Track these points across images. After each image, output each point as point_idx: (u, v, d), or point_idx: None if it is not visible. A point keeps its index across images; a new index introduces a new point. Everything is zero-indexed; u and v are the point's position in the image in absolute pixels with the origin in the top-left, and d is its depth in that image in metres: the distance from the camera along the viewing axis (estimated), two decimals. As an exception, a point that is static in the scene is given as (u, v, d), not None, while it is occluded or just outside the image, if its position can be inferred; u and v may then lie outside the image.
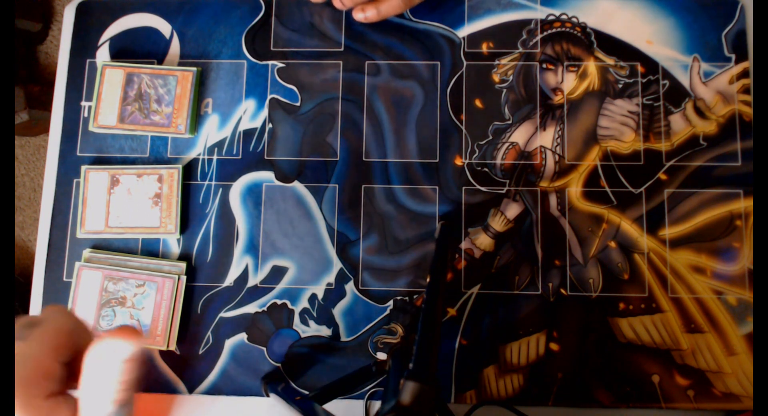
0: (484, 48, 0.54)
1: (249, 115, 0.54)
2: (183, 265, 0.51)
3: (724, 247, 0.50)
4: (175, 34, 0.55)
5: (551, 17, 0.54)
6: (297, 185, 0.53)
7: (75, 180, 0.53)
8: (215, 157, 0.53)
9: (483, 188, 0.52)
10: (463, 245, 0.51)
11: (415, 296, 0.51)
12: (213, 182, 0.53)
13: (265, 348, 0.51)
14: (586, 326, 0.49)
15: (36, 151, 1.37)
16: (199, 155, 0.53)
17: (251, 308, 0.51)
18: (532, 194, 0.51)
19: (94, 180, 0.52)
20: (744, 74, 0.52)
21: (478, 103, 0.53)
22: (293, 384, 0.50)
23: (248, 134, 0.54)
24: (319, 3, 0.54)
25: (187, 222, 0.52)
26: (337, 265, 0.51)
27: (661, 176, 0.51)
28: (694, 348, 0.49)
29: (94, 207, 0.52)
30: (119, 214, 0.52)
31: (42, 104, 1.27)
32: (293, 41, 0.55)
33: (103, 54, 0.55)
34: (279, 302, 0.51)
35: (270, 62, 0.55)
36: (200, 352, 0.51)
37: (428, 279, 0.44)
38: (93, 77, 0.55)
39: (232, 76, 0.54)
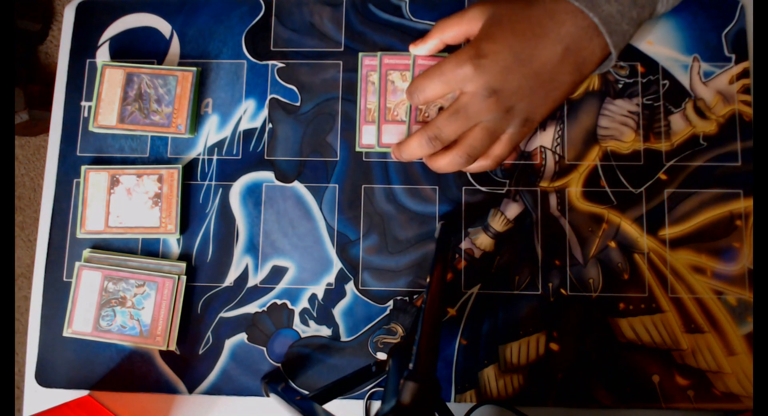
0: (484, 48, 0.54)
1: (249, 115, 0.54)
2: (183, 265, 0.51)
3: (724, 247, 0.50)
4: (175, 34, 0.55)
5: (551, 17, 0.54)
6: (297, 185, 0.53)
7: (75, 180, 0.53)
8: (215, 157, 0.53)
9: (483, 188, 0.52)
10: (463, 245, 0.51)
11: (415, 296, 0.51)
12: (213, 182, 0.53)
13: (265, 348, 0.51)
14: (586, 326, 0.49)
15: (36, 151, 1.37)
16: (199, 155, 0.53)
17: (251, 308, 0.51)
18: (532, 194, 0.51)
19: (94, 180, 0.52)
20: (744, 74, 0.52)
21: (478, 103, 0.53)
22: (293, 384, 0.50)
23: (248, 134, 0.54)
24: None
25: (187, 222, 0.53)
26: (337, 265, 0.51)
27: (661, 176, 0.51)
28: (694, 348, 0.49)
29: (94, 207, 0.52)
30: (119, 214, 0.52)
31: (42, 104, 1.27)
32: (293, 41, 0.55)
33: (103, 54, 0.55)
34: (279, 302, 0.51)
35: (270, 62, 0.55)
36: (200, 352, 0.51)
37: (428, 279, 0.44)
38: (93, 77, 0.55)
39: (232, 76, 0.54)
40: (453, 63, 0.45)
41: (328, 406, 0.43)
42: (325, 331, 0.51)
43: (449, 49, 0.51)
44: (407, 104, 0.51)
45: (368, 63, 0.53)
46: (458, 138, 0.46)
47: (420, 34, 0.54)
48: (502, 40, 0.44)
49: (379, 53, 0.52)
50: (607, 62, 0.47)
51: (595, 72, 0.48)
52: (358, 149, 0.52)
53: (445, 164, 0.47)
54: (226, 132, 0.54)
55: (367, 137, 0.52)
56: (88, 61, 0.55)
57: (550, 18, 0.44)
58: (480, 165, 0.48)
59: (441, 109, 0.51)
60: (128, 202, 0.52)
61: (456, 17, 0.48)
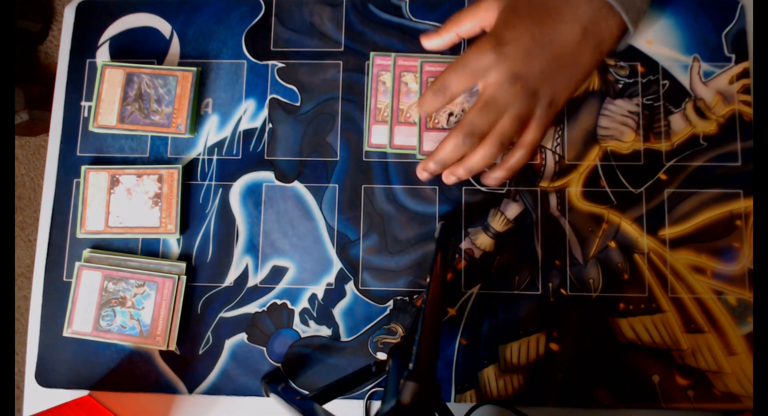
0: (484, 48, 0.54)
1: (249, 115, 0.54)
2: (183, 265, 0.51)
3: (724, 247, 0.50)
4: (175, 34, 0.55)
5: (551, 17, 0.54)
6: (297, 185, 0.53)
7: (75, 180, 0.53)
8: (215, 157, 0.53)
9: (483, 188, 0.52)
10: (463, 245, 0.51)
11: (415, 296, 0.51)
12: (213, 182, 0.53)
13: (265, 348, 0.51)
14: (586, 326, 0.49)
15: (36, 151, 1.37)
16: (199, 155, 0.53)
17: (251, 308, 0.51)
18: (532, 194, 0.51)
19: (94, 180, 0.52)
20: (744, 74, 0.52)
21: (478, 103, 0.53)
22: (293, 384, 0.50)
23: (248, 134, 0.54)
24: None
25: (187, 222, 0.52)
26: (337, 265, 0.51)
27: (661, 176, 0.51)
28: (694, 348, 0.49)
29: (94, 207, 0.52)
30: (119, 214, 0.52)
31: (42, 104, 1.27)
32: (293, 41, 0.55)
33: (103, 54, 0.55)
34: (279, 302, 0.51)
35: (270, 62, 0.55)
36: (200, 352, 0.51)
37: (428, 279, 0.44)
38: (93, 77, 0.55)
39: (232, 76, 0.54)
40: (475, 53, 0.45)
41: (328, 406, 0.43)
42: (325, 331, 0.51)
43: (453, 51, 0.51)
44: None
45: (380, 63, 0.53)
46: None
47: (420, 34, 0.54)
48: (521, 27, 0.45)
49: (392, 54, 0.52)
50: (626, 38, 0.48)
51: (615, 49, 0.49)
52: (367, 148, 0.52)
53: (478, 159, 0.47)
54: (226, 132, 0.54)
55: (376, 137, 0.52)
56: (88, 61, 0.55)
57: (565, 2, 0.45)
58: (517, 158, 0.48)
59: (450, 114, 0.51)
60: (128, 202, 0.52)
61: (471, 9, 0.48)
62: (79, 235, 0.52)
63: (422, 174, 0.50)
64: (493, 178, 0.49)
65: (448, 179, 0.49)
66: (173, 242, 0.52)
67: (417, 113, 0.51)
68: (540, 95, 0.46)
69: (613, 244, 0.51)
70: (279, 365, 0.50)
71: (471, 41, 0.51)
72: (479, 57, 0.45)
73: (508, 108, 0.45)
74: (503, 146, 0.46)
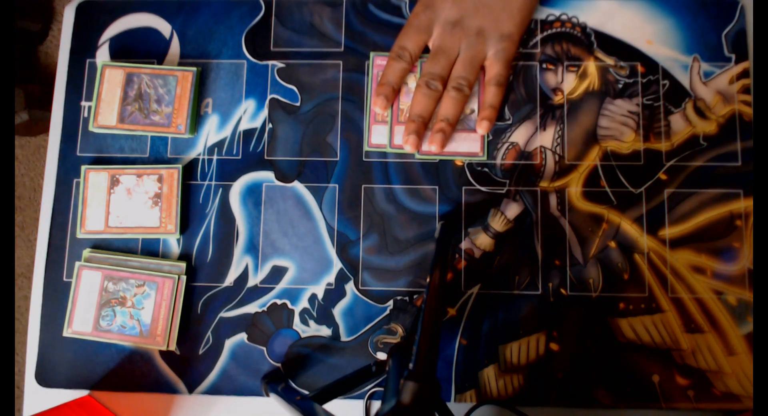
0: (484, 48, 0.54)
1: (249, 115, 0.54)
2: (183, 265, 0.51)
3: (724, 247, 0.50)
4: (175, 34, 0.55)
5: (551, 17, 0.54)
6: (297, 185, 0.53)
7: (75, 180, 0.53)
8: (215, 157, 0.53)
9: (483, 188, 0.52)
10: (463, 245, 0.51)
11: (415, 296, 0.51)
12: (213, 182, 0.53)
13: (265, 348, 0.51)
14: (586, 326, 0.50)
15: (36, 151, 1.37)
16: (199, 155, 0.53)
17: (251, 308, 0.51)
18: (532, 194, 0.51)
19: (94, 180, 0.52)
20: (744, 74, 0.52)
21: (478, 103, 0.53)
22: (293, 384, 0.50)
23: (248, 134, 0.54)
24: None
25: (187, 222, 0.53)
26: (337, 265, 0.51)
27: (661, 176, 0.51)
28: (694, 348, 0.49)
29: (94, 207, 0.52)
30: (119, 214, 0.52)
31: (42, 104, 1.27)
32: (293, 41, 0.55)
33: (103, 54, 0.55)
34: (279, 302, 0.51)
35: (270, 62, 0.55)
36: (200, 352, 0.51)
37: (428, 279, 0.44)
38: (93, 77, 0.55)
39: (232, 76, 0.54)
40: (413, 16, 0.51)
41: (328, 406, 0.44)
42: (325, 331, 0.51)
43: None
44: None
45: (380, 63, 0.53)
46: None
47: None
48: None
49: None
50: None
51: None
52: (367, 148, 0.52)
53: (446, 105, 0.50)
54: (226, 132, 0.54)
55: (376, 137, 0.52)
56: (88, 61, 0.55)
57: None
58: (491, 94, 0.50)
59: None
60: (128, 202, 0.52)
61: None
62: (79, 235, 0.52)
63: (408, 139, 0.50)
64: (481, 122, 0.51)
65: (437, 137, 0.50)
66: (173, 242, 0.52)
67: (386, 86, 0.51)
68: (486, 32, 0.49)
69: (613, 244, 0.51)
70: (279, 365, 0.50)
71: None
72: (417, 17, 0.51)
73: (456, 53, 0.50)
74: (463, 88, 0.49)
